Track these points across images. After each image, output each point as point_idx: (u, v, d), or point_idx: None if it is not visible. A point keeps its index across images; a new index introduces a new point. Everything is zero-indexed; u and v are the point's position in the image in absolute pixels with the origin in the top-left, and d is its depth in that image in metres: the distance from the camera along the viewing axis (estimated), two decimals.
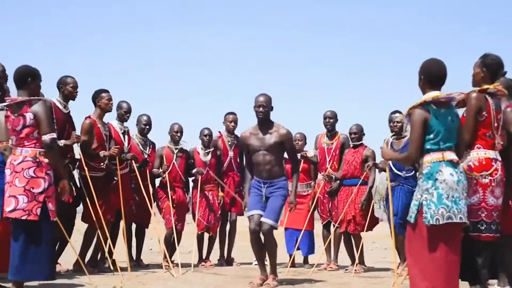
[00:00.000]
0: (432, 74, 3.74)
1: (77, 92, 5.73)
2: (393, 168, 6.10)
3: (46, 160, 4.28)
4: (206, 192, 7.08)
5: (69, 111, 5.73)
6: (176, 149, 6.93)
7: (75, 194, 5.83)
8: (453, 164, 3.65)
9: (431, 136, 3.65)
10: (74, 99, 5.76)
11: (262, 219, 5.24)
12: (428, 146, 3.67)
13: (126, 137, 6.48)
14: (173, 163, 6.86)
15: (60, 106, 5.58)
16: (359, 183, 6.64)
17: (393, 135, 6.36)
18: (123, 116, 6.50)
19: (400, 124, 6.24)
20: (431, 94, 3.70)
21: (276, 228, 5.33)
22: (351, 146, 6.92)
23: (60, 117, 5.49)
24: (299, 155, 6.67)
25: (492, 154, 3.93)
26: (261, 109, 5.31)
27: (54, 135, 4.30)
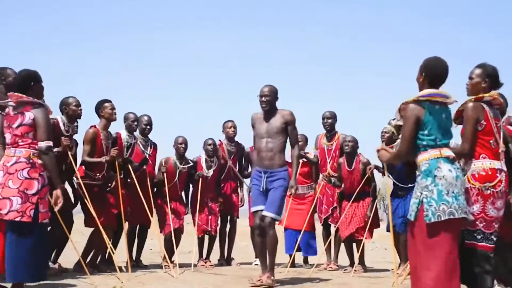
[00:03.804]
0: (434, 73, 3.74)
1: (81, 109, 5.76)
2: (398, 184, 6.09)
3: (39, 161, 4.25)
4: (206, 199, 7.11)
5: (70, 134, 5.70)
6: (180, 161, 6.95)
7: (73, 196, 5.88)
8: (451, 160, 3.65)
9: (426, 132, 3.65)
10: (80, 117, 5.79)
11: (263, 212, 5.25)
12: (424, 143, 3.67)
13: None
14: (176, 180, 6.89)
15: (62, 127, 5.60)
16: (362, 195, 6.63)
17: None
18: (130, 126, 6.59)
19: (388, 135, 6.23)
20: (426, 92, 3.70)
21: (278, 220, 5.33)
22: (345, 159, 6.80)
23: (59, 136, 5.46)
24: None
25: (497, 164, 3.89)
26: (263, 98, 5.36)
27: (50, 143, 4.28)
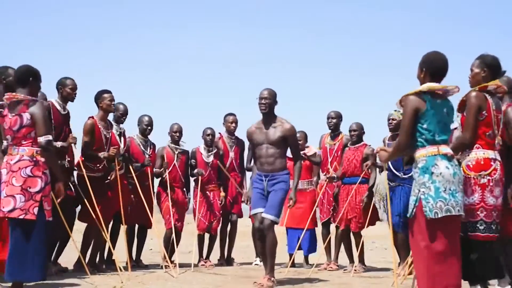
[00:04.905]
0: (434, 67, 3.75)
1: (75, 93, 5.75)
2: (392, 168, 6.09)
3: (43, 159, 4.27)
4: (207, 192, 7.10)
5: (67, 112, 5.74)
6: (176, 149, 6.97)
7: (74, 194, 5.83)
8: (448, 157, 3.65)
9: (425, 126, 3.65)
10: (72, 101, 5.78)
11: (263, 214, 5.25)
12: (423, 137, 3.66)
13: (122, 139, 6.49)
14: (174, 163, 6.90)
15: (59, 107, 5.60)
16: (359, 181, 6.64)
17: (390, 135, 6.35)
18: (119, 119, 6.55)
19: (395, 122, 6.19)
20: (427, 85, 3.71)
21: (277, 223, 5.33)
22: (351, 144, 6.91)
23: (58, 118, 5.50)
24: None
25: (491, 154, 3.91)
26: (263, 101, 5.36)
27: (50, 137, 4.30)
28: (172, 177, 6.88)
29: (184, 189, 7.09)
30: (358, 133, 6.84)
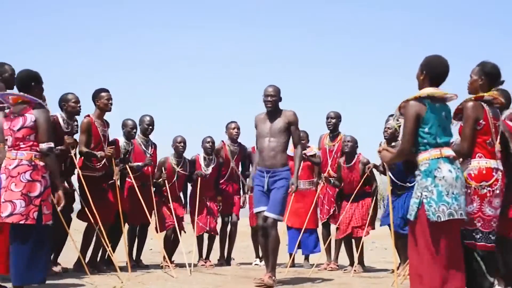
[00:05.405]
0: (435, 72, 3.75)
1: (80, 106, 5.77)
2: (397, 182, 6.06)
3: (41, 163, 4.25)
4: (204, 197, 7.10)
5: (70, 130, 5.74)
6: (178, 162, 6.98)
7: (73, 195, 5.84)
8: (451, 160, 3.65)
9: (426, 129, 3.65)
10: (78, 114, 5.81)
11: (265, 213, 5.27)
12: (425, 141, 3.66)
13: (127, 156, 6.54)
14: (174, 181, 6.92)
15: (62, 123, 5.63)
16: (361, 195, 6.65)
17: (385, 142, 6.27)
18: (129, 133, 6.62)
19: (391, 131, 6.15)
20: (426, 91, 3.70)
21: (280, 221, 5.36)
22: (345, 158, 6.83)
23: (59, 133, 5.49)
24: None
25: (493, 163, 3.89)
26: (269, 98, 5.41)
27: (52, 144, 4.29)
28: (170, 191, 6.87)
29: (179, 203, 7.11)
30: (351, 144, 6.71)
